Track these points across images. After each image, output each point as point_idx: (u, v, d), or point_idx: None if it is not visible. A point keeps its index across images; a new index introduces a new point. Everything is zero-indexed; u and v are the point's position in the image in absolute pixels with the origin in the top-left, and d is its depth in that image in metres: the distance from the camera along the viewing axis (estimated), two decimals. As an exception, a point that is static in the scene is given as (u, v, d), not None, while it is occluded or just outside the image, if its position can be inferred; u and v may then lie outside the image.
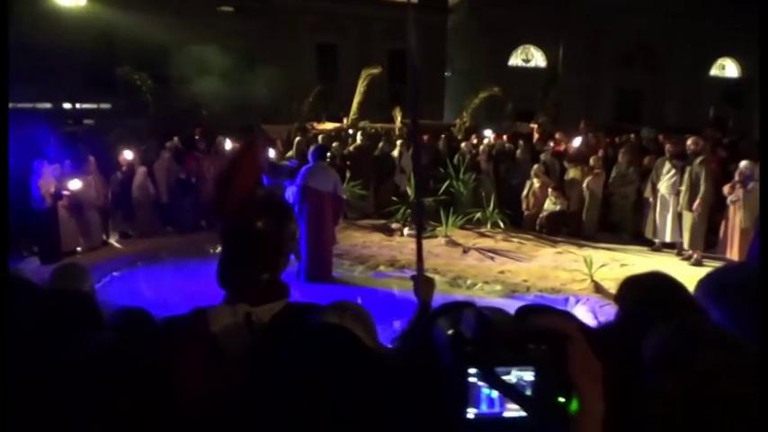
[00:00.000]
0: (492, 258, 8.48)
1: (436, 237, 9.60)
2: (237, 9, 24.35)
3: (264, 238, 1.67)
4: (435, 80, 27.29)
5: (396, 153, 11.71)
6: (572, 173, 10.35)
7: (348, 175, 11.16)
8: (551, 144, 12.41)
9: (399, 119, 15.21)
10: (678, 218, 8.56)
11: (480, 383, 0.71)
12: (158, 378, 1.36)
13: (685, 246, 8.44)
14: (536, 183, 10.48)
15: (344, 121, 16.23)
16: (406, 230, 9.95)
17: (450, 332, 0.75)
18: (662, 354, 1.12)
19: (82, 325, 1.53)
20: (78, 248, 8.94)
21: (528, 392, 0.70)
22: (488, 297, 6.62)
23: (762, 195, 6.37)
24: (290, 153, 11.42)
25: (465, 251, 8.89)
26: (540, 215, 10.36)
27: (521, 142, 12.67)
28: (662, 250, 8.89)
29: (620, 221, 10.02)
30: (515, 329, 0.73)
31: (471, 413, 0.71)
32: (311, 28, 25.08)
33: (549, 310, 0.98)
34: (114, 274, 7.71)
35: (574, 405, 0.68)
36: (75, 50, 20.34)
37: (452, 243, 9.30)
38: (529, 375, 0.70)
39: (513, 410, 0.70)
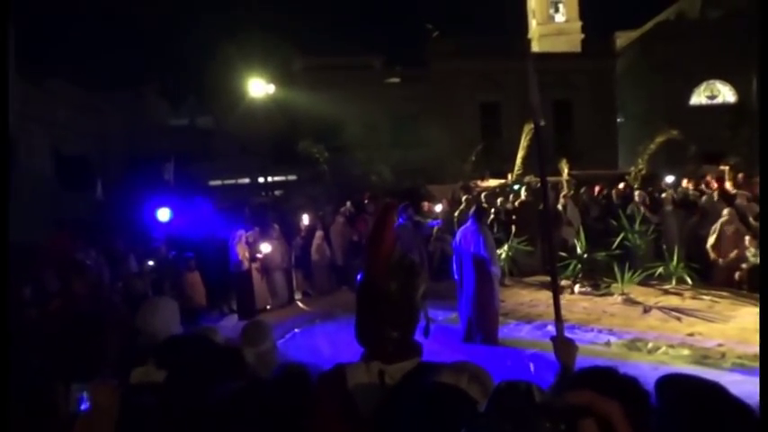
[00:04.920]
0: (678, 319, 7.60)
1: (611, 294, 8.93)
2: (403, 79, 26.02)
3: (395, 298, 1.73)
4: (606, 127, 26.05)
5: (560, 206, 11.26)
6: (774, 219, 9.01)
7: (513, 230, 10.99)
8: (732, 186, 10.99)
9: (566, 171, 14.69)
10: None
11: None
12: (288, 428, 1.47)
13: None
14: (728, 230, 9.28)
15: (509, 176, 16.13)
16: (576, 287, 9.42)
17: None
18: None
19: (228, 376, 1.77)
20: (268, 306, 9.97)
21: None
22: (674, 363, 5.91)
23: (762, 196, 5.56)
24: (457, 211, 11.69)
25: (645, 310, 8.12)
26: (740, 269, 9.10)
27: (709, 188, 11.43)
28: None
29: None
30: (530, 406, 0.72)
31: None
32: (472, 88, 25.74)
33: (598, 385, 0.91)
34: (296, 330, 8.40)
35: None
36: (266, 130, 23.31)
37: (630, 301, 8.57)
38: None
39: None
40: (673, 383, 1.48)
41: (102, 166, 23.39)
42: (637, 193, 11.34)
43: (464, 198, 12.82)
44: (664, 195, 10.83)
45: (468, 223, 7.32)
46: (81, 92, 24.52)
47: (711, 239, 9.41)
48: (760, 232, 7.30)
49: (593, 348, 6.52)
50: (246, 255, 9.64)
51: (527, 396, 0.73)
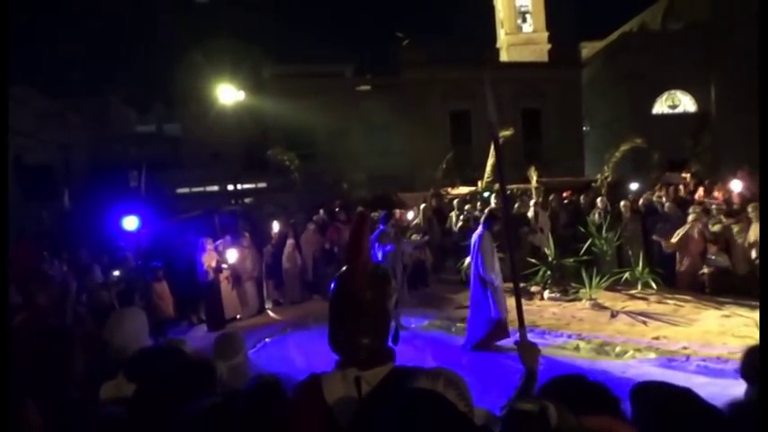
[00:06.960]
0: (644, 323, 7.78)
1: (580, 300, 9.10)
2: (374, 87, 26.07)
3: (370, 307, 1.76)
4: (573, 136, 26.56)
5: (530, 214, 11.39)
6: (733, 226, 9.32)
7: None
8: (703, 193, 11.33)
9: (535, 178, 14.93)
10: None
11: None
12: None
13: None
14: (694, 234, 9.53)
15: (479, 183, 16.29)
16: (546, 293, 9.56)
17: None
18: None
19: (200, 391, 1.76)
20: (238, 316, 9.83)
21: None
22: (641, 366, 6.06)
23: (762, 196, 5.71)
24: (416, 220, 11.73)
25: (613, 315, 8.29)
26: (702, 273, 9.37)
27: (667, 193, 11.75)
28: None
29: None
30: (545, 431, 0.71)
31: None
32: (443, 97, 25.94)
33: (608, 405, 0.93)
34: (266, 340, 8.30)
35: None
36: (236, 138, 23.08)
37: (598, 306, 8.74)
38: None
39: None
40: (646, 391, 1.52)
41: (68, 175, 22.79)
42: (599, 199, 11.56)
43: (421, 207, 12.76)
44: (622, 203, 11.05)
45: (479, 228, 7.36)
46: (45, 99, 23.86)
47: (675, 242, 9.57)
48: (760, 232, 7.47)
49: (564, 353, 6.65)
50: (212, 264, 9.47)
51: (541, 420, 0.72)
